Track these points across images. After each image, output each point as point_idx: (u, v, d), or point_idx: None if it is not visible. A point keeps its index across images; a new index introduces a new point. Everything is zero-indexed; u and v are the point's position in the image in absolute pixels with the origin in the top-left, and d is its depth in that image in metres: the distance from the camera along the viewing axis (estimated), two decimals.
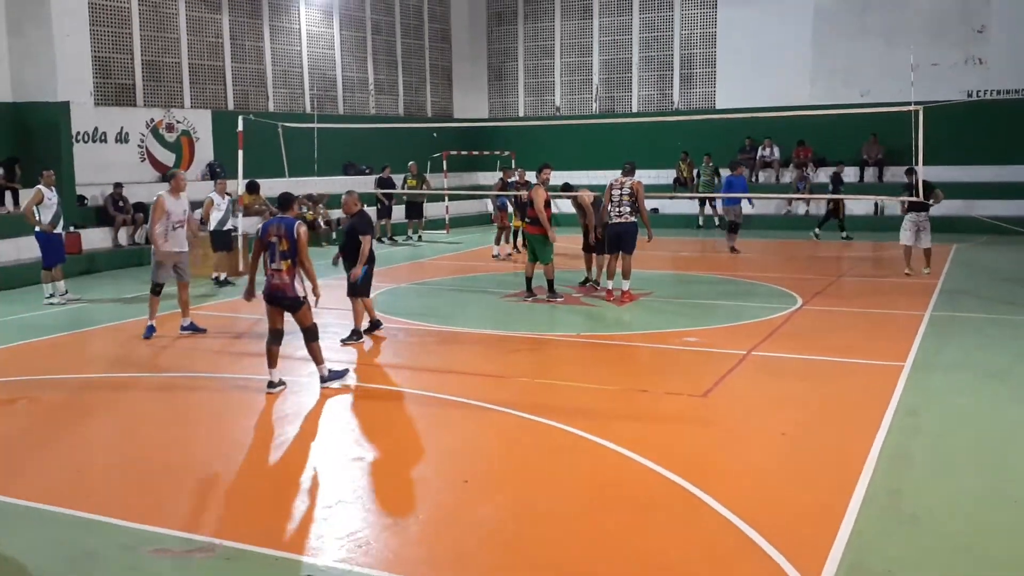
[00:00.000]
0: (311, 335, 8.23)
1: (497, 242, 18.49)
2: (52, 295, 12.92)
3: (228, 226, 14.90)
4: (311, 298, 8.21)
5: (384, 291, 13.86)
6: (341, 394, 8.19)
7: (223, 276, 14.84)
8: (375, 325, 10.62)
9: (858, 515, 5.20)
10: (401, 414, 7.76)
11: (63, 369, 9.33)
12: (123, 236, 17.63)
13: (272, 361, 8.13)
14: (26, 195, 14.25)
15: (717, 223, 23.51)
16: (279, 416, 7.70)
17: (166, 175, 10.96)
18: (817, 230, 20.31)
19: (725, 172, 24.30)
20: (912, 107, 13.16)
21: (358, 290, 10.18)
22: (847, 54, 23.42)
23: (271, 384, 8.11)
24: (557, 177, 22.69)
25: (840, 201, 19.76)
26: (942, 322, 10.90)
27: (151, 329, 10.51)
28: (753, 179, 24.30)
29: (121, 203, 17.60)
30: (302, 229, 8.03)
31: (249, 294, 8.51)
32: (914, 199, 14.10)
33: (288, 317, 8.19)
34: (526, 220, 12.89)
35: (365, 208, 10.53)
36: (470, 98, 28.66)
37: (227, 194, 15.02)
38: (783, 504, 5.48)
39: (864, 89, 22.63)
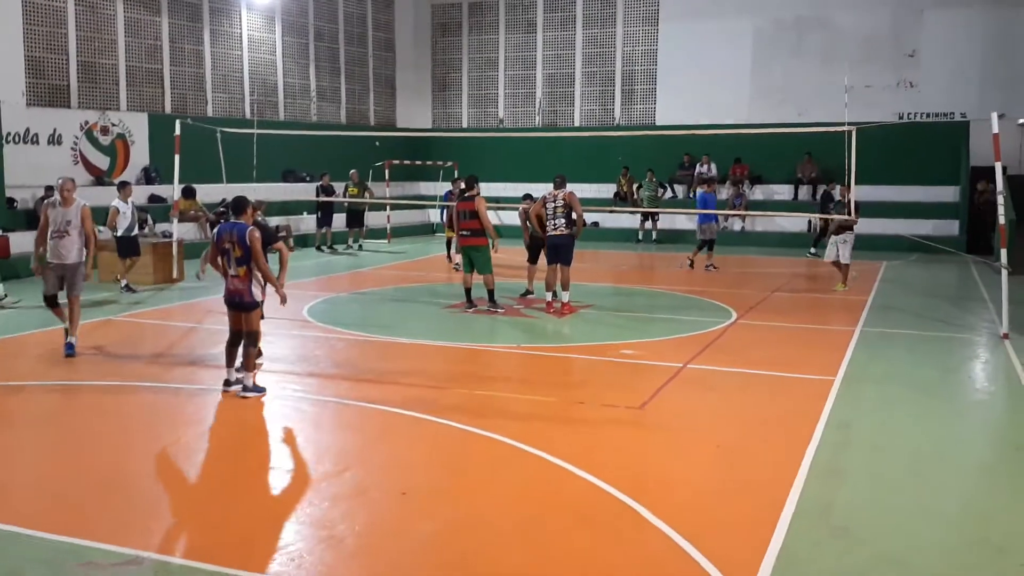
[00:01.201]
0: (252, 339, 8.24)
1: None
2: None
3: (135, 231, 14.46)
4: (277, 296, 8.31)
5: (323, 300, 13.74)
6: (278, 404, 8.09)
7: (124, 282, 14.26)
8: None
9: (789, 528, 5.29)
10: (339, 425, 7.69)
11: None
12: None
13: (230, 360, 8.28)
14: None
15: (655, 237, 23.86)
16: (211, 426, 7.59)
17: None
18: (813, 249, 20.42)
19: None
20: (846, 128, 13.51)
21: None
22: (784, 75, 23.98)
23: (227, 383, 8.23)
24: (498, 189, 22.87)
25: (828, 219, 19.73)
26: (872, 337, 11.17)
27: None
28: (690, 195, 24.69)
29: None
30: (255, 234, 8.03)
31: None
32: (846, 218, 14.47)
33: None
34: (463, 232, 12.78)
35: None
36: (413, 108, 28.61)
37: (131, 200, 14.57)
38: (717, 517, 5.55)
39: (800, 109, 23.14)
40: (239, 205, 8.29)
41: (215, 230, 8.36)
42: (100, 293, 13.75)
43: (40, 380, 8.90)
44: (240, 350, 8.27)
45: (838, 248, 14.97)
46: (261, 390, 8.25)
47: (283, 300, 8.35)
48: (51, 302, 9.85)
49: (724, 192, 24.32)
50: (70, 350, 9.61)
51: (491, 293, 12.69)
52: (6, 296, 12.83)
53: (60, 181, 9.87)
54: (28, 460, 6.71)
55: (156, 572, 4.74)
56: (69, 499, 5.83)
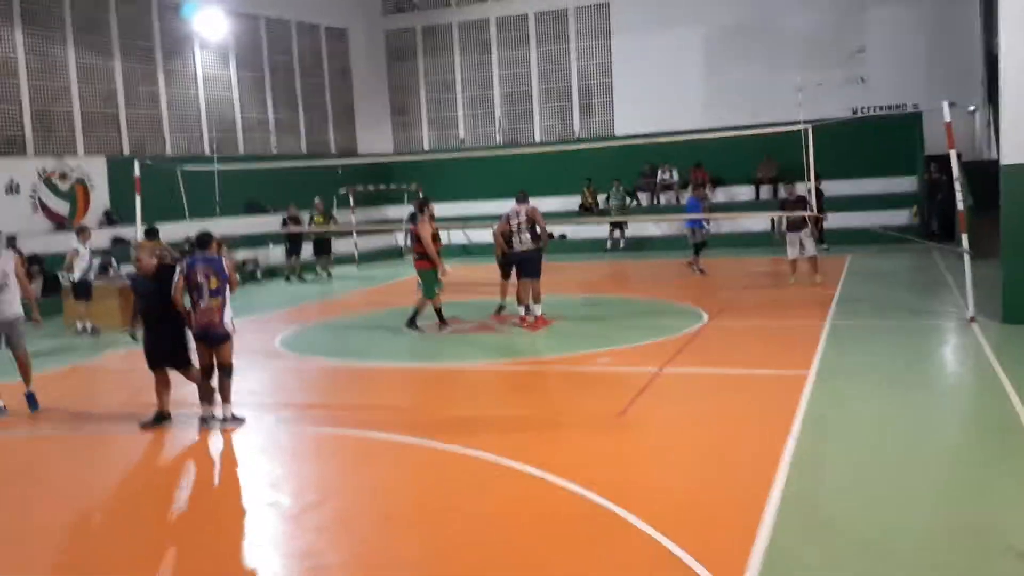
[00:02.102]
0: (228, 371, 8.29)
1: None
2: None
3: (92, 276, 14.24)
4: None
5: (295, 330, 13.67)
6: (255, 437, 8.04)
7: (88, 326, 14.09)
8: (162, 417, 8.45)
9: (775, 523, 5.33)
10: (318, 454, 7.64)
11: None
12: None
13: (204, 397, 8.27)
14: None
15: (622, 245, 24.06)
16: (190, 463, 7.53)
17: None
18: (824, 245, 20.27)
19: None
20: (801, 126, 13.71)
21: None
22: (736, 79, 24.27)
23: (203, 420, 8.23)
24: (462, 208, 22.96)
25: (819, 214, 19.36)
26: (842, 330, 11.30)
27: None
28: (654, 202, 24.90)
29: None
30: (230, 264, 8.26)
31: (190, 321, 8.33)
32: (795, 213, 14.83)
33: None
34: (414, 255, 12.97)
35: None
36: (374, 134, 28.62)
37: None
38: (702, 517, 5.59)
39: (755, 111, 23.37)
40: (205, 239, 8.34)
41: (183, 264, 8.34)
42: (63, 339, 13.59)
43: (10, 431, 8.74)
44: (216, 383, 8.27)
45: (801, 243, 15.28)
46: (241, 420, 8.26)
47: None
48: None
49: (687, 197, 24.55)
50: (34, 403, 9.11)
51: (415, 313, 12.73)
52: None
53: None
54: (19, 510, 6.59)
55: None
56: (48, 545, 5.75)
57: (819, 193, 19.27)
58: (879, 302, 13.51)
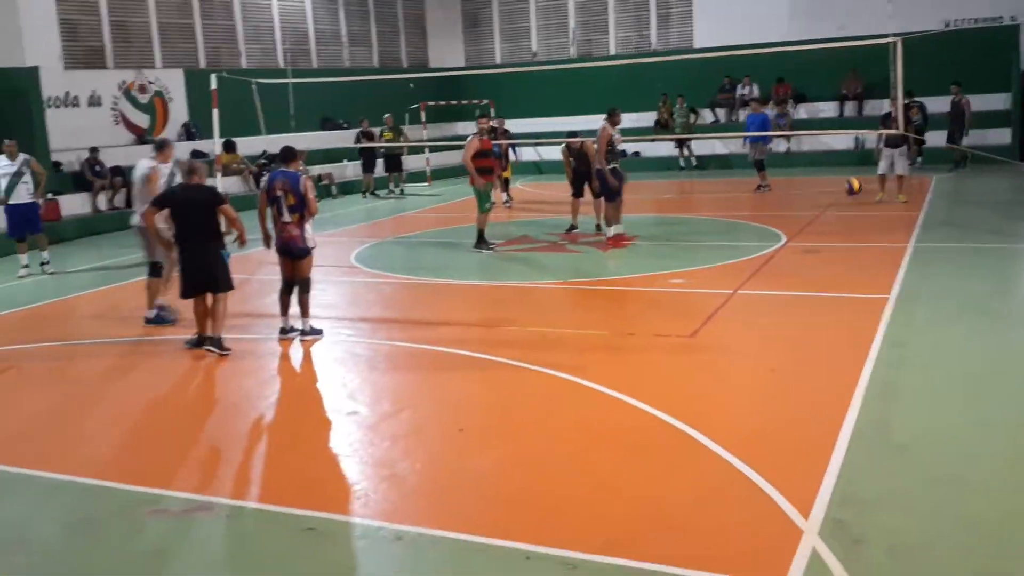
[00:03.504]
0: (306, 286, 8.49)
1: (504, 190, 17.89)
2: (27, 265, 12.64)
3: None
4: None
5: (369, 246, 13.83)
6: (333, 349, 8.22)
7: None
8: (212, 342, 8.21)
9: (848, 447, 5.27)
10: (394, 367, 7.78)
11: (45, 338, 9.19)
12: (102, 201, 17.43)
13: (285, 309, 8.52)
14: None
15: (695, 163, 23.59)
16: (270, 373, 7.73)
17: (156, 143, 9.85)
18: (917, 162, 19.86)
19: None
20: (890, 39, 13.08)
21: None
22: None
23: (283, 331, 8.47)
24: (534, 124, 22.68)
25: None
26: (925, 253, 10.96)
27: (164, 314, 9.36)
28: (733, 118, 24.23)
29: (98, 168, 17.36)
30: (308, 182, 8.32)
31: (267, 242, 8.52)
32: (891, 131, 14.28)
33: None
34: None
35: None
36: (445, 47, 28.28)
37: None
38: (774, 439, 5.55)
39: (841, 23, 22.38)
40: (288, 154, 8.48)
41: (266, 178, 8.49)
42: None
43: (97, 339, 9.09)
44: (296, 297, 8.46)
45: (894, 160, 14.90)
46: (318, 332, 8.47)
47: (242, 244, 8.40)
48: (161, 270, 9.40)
49: (768, 113, 23.82)
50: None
51: (480, 232, 12.66)
52: (46, 263, 12.86)
53: (168, 140, 10.02)
54: (96, 415, 6.90)
55: (227, 515, 4.88)
56: (138, 450, 6.02)
57: (923, 110, 18.87)
58: (965, 224, 13.04)
